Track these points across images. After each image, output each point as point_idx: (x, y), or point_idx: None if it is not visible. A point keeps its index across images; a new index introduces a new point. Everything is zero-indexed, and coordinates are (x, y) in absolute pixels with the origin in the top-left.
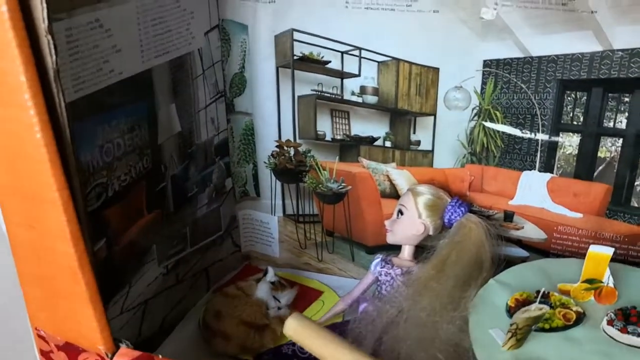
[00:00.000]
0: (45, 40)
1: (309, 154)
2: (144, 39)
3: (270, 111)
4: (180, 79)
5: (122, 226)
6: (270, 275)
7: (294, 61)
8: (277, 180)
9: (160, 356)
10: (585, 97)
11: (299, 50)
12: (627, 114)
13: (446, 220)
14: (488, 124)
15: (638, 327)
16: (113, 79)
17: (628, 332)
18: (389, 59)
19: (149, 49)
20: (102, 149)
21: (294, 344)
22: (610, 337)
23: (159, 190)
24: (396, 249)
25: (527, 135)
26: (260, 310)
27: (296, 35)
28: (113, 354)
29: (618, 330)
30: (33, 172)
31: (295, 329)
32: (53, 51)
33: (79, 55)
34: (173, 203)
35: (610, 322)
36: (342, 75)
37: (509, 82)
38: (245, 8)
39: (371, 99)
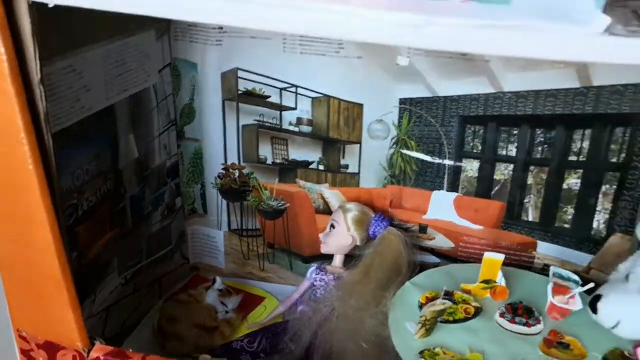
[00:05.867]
0: (38, 90)
1: (252, 176)
2: (108, 79)
3: (217, 138)
4: (138, 112)
5: (90, 242)
6: (218, 284)
7: (238, 95)
8: (223, 199)
9: (131, 350)
10: (482, 130)
11: (243, 85)
12: (516, 144)
13: (371, 233)
14: (404, 151)
15: (523, 318)
16: (84, 114)
17: (515, 322)
18: (321, 95)
19: (112, 87)
20: (74, 174)
21: (241, 340)
22: (502, 326)
23: (119, 210)
24: (329, 258)
25: (437, 160)
26: (210, 314)
27: (240, 73)
28: (89, 350)
29: (507, 321)
30: (24, 197)
31: None
32: (44, 99)
33: (56, 95)
34: (131, 220)
35: (501, 315)
36: (280, 108)
37: (421, 116)
38: (195, 48)
39: (306, 128)
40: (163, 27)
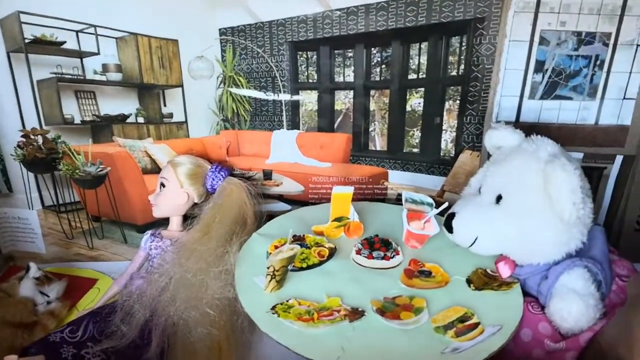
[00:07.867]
0: None
1: (59, 140)
2: None
3: (8, 100)
4: None
5: None
6: (34, 271)
7: (26, 45)
8: (29, 172)
9: None
10: (315, 56)
11: (30, 32)
12: (352, 67)
13: (209, 186)
14: (234, 90)
15: (381, 251)
16: None
17: (373, 257)
18: (126, 34)
19: None
20: None
21: (62, 330)
22: (359, 264)
23: None
24: (167, 223)
25: (272, 97)
26: (26, 308)
27: (24, 18)
28: None
29: (365, 257)
30: None
31: None
32: None
33: None
34: None
35: (358, 252)
36: (80, 54)
37: (246, 48)
38: None
39: (115, 76)
40: None
